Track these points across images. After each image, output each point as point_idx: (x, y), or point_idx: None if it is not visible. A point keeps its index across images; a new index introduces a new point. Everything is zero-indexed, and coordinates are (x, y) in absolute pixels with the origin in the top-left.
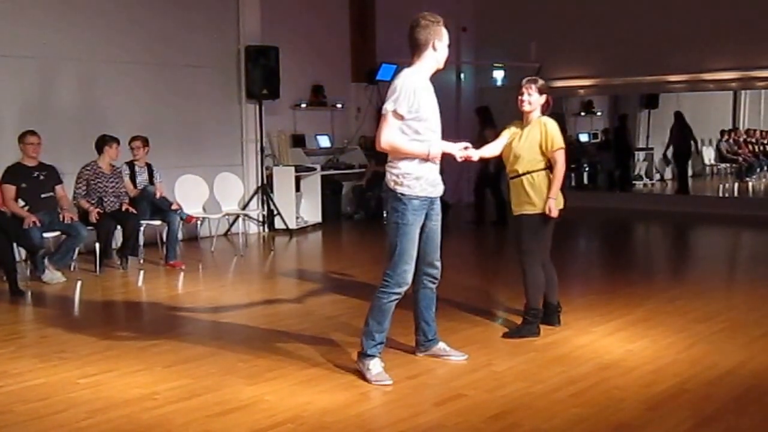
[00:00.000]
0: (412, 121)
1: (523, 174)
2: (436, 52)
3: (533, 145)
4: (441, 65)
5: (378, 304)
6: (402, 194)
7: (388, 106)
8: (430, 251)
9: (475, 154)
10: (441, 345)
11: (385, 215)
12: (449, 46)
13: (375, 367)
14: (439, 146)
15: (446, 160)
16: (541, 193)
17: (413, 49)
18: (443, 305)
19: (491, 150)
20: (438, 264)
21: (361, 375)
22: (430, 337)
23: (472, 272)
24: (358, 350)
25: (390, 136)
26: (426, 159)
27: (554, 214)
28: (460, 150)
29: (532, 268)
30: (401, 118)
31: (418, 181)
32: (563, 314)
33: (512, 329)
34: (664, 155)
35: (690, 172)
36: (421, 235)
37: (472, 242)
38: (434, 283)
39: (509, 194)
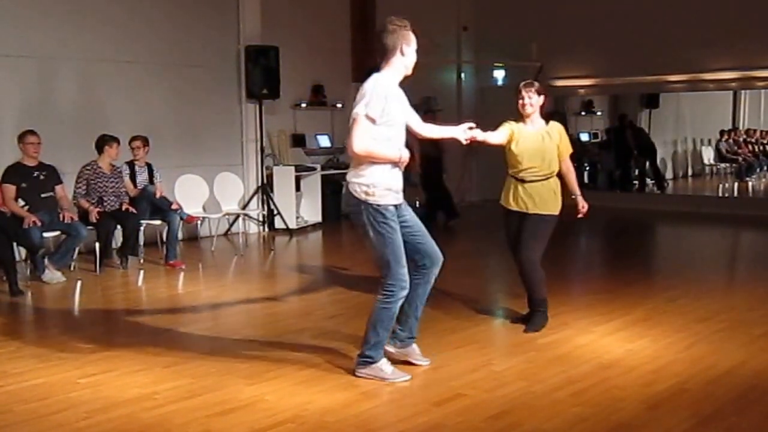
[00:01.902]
0: (384, 126)
1: (551, 176)
2: (404, 57)
3: (554, 148)
4: (409, 71)
5: (385, 313)
6: (378, 205)
7: (360, 110)
8: (419, 247)
9: (480, 135)
10: (415, 347)
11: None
12: (417, 50)
13: (387, 366)
14: (406, 150)
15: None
16: (559, 195)
17: (382, 55)
18: (442, 304)
19: (493, 137)
20: (431, 255)
21: (378, 379)
22: (413, 335)
23: (469, 271)
24: (363, 360)
25: (365, 140)
26: (397, 163)
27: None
28: (464, 131)
29: (537, 264)
30: (373, 121)
31: (389, 191)
32: (564, 314)
33: (532, 323)
34: (635, 159)
35: (690, 172)
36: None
37: (462, 240)
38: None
39: (514, 194)
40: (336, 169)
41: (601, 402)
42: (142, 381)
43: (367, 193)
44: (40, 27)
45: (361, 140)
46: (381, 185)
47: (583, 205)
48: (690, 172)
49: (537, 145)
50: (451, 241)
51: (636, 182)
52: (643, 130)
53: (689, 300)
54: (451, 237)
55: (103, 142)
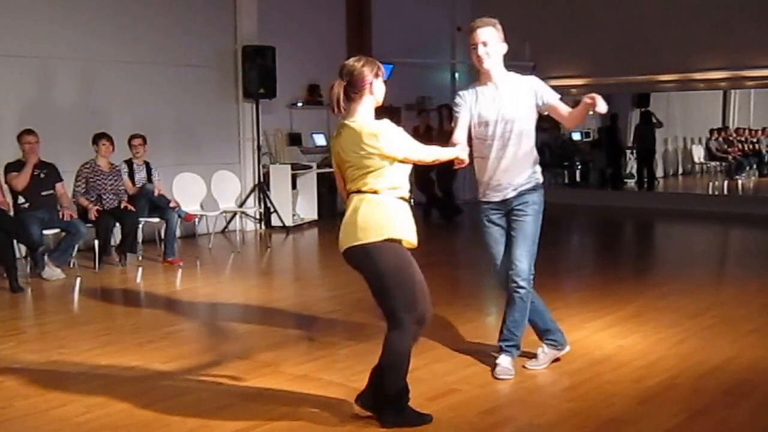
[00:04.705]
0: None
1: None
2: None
3: None
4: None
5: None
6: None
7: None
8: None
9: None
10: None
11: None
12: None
13: None
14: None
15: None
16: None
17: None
18: (437, 301)
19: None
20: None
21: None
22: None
23: (465, 267)
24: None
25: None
26: None
27: None
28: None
29: None
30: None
31: None
32: (556, 310)
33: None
34: (638, 156)
35: (680, 170)
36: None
37: (457, 236)
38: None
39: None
40: (331, 167)
41: (593, 397)
42: (141, 376)
43: (537, 178)
44: (40, 27)
45: None
46: None
47: None
48: (680, 171)
49: None
50: (447, 237)
51: (633, 179)
52: (655, 130)
53: (680, 296)
54: (446, 233)
55: (93, 141)
